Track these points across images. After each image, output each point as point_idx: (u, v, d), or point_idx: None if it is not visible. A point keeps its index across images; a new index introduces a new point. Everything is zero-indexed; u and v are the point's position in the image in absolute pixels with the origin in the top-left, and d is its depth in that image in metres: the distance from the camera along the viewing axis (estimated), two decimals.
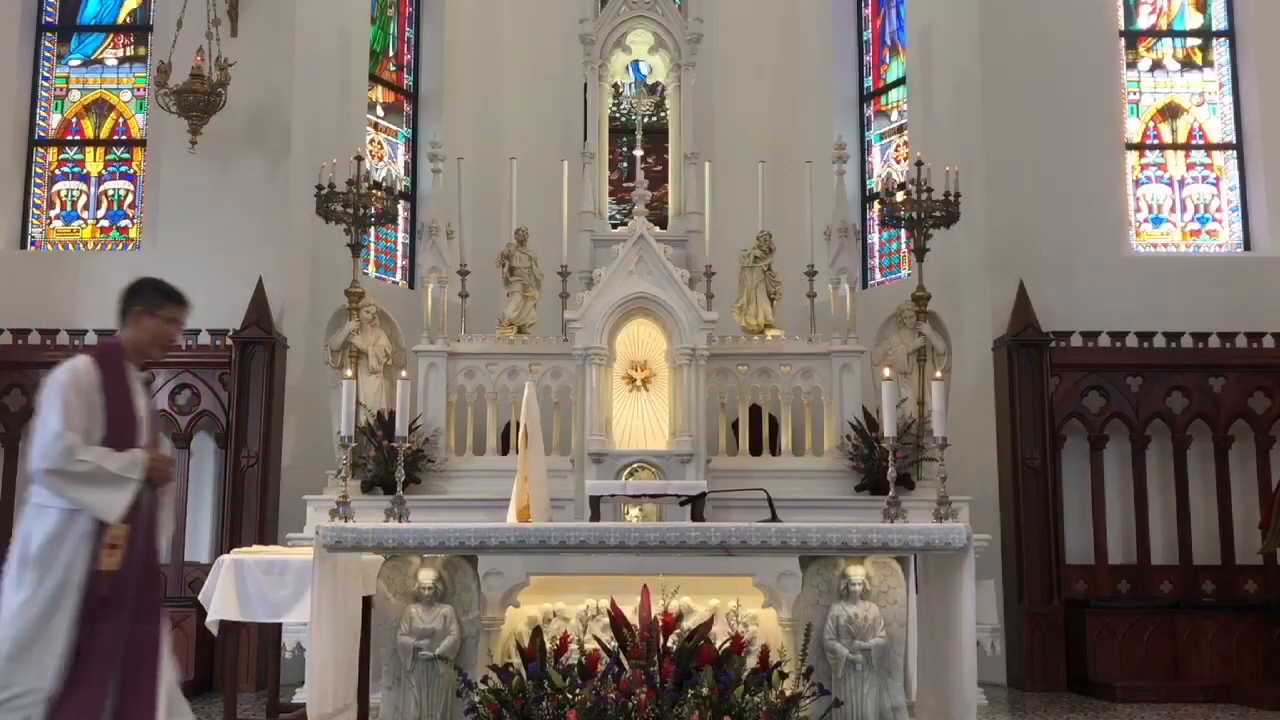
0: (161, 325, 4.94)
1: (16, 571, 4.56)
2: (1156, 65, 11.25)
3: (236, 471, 9.60)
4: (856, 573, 5.85)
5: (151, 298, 4.94)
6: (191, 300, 5.04)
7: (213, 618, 6.66)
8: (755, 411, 9.56)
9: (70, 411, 4.63)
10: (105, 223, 10.85)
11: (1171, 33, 11.29)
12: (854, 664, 5.78)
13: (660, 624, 5.57)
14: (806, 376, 9.49)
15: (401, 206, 11.38)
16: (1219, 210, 11.07)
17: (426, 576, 5.94)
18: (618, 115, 10.47)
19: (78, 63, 11.08)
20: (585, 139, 10.18)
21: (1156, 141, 11.17)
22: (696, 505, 6.96)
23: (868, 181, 12.03)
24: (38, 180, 10.88)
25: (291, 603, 6.52)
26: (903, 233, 10.24)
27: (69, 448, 4.57)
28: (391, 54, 12.05)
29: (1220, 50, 11.21)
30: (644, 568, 5.80)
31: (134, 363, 4.90)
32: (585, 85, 10.35)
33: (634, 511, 8.41)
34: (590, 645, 5.67)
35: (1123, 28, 11.15)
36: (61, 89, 11.04)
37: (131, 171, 10.91)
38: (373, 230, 10.33)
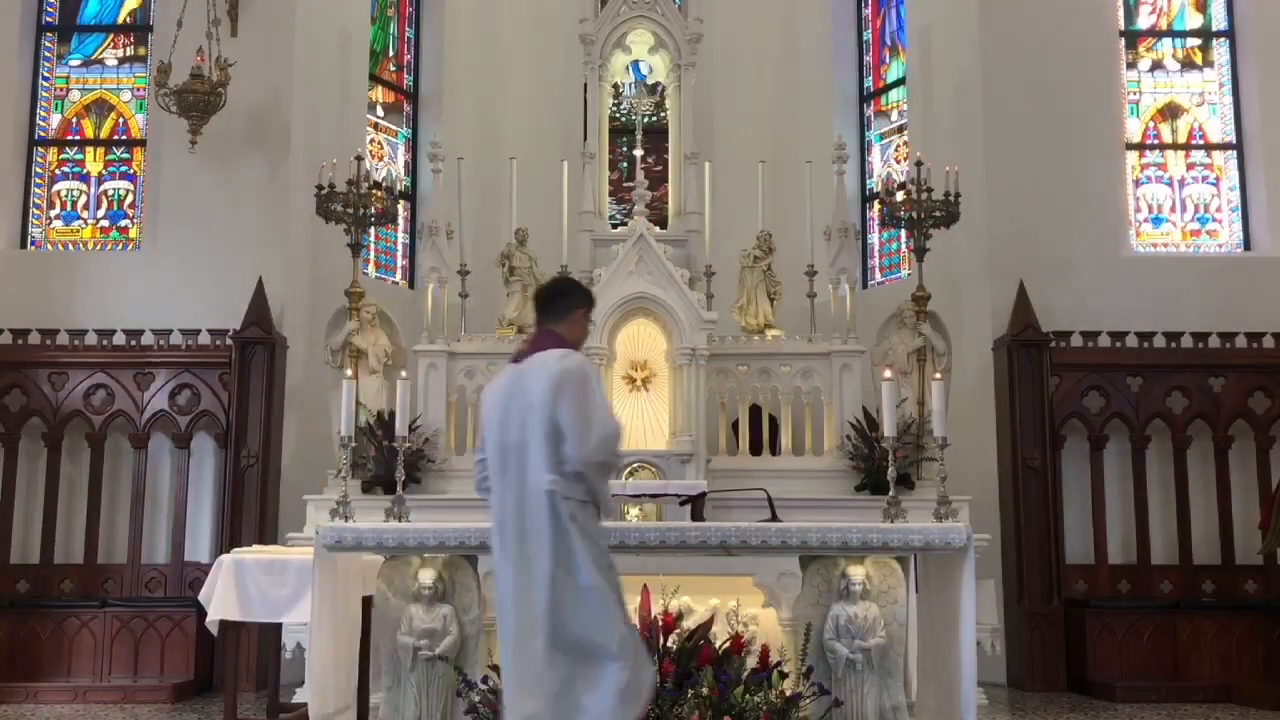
0: (589, 328, 4.97)
1: (580, 568, 4.41)
2: (1156, 65, 11.24)
3: (236, 471, 9.60)
4: (856, 573, 5.86)
5: (589, 301, 4.93)
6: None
7: (213, 618, 6.66)
8: (755, 411, 9.56)
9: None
10: (105, 223, 10.84)
11: (1171, 33, 11.29)
12: (854, 664, 5.78)
13: (660, 624, 5.58)
14: (806, 376, 9.50)
15: (401, 206, 11.38)
16: (1219, 210, 11.06)
17: (426, 576, 5.94)
18: (618, 115, 10.49)
19: (78, 63, 11.07)
20: (585, 139, 10.19)
21: (1156, 141, 11.16)
22: (696, 505, 6.95)
23: (868, 181, 12.02)
24: (38, 180, 10.87)
25: (291, 603, 6.52)
26: (903, 233, 10.23)
27: (621, 442, 4.62)
28: (391, 54, 12.04)
29: (1220, 50, 11.20)
30: (644, 567, 5.80)
31: None
32: (585, 85, 10.36)
33: (634, 511, 8.40)
34: None
35: (1123, 28, 11.14)
36: (61, 89, 11.03)
37: (131, 171, 10.90)
38: (373, 230, 10.34)
